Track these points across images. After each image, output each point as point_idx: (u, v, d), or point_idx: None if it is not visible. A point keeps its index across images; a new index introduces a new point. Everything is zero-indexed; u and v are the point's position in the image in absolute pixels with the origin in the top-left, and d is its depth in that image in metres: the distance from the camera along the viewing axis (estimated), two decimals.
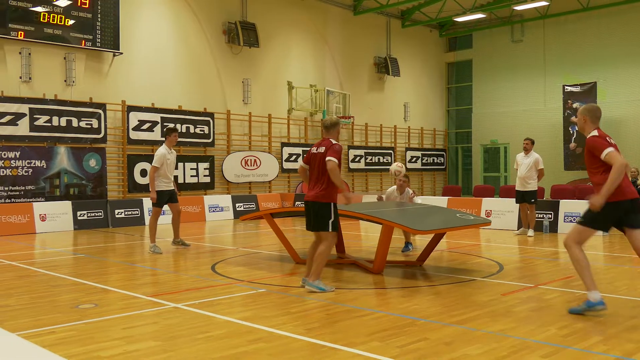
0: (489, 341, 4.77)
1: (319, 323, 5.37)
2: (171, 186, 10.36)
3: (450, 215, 8.46)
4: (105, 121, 15.66)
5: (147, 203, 15.67)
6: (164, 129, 10.85)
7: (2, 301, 6.31)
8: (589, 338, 4.84)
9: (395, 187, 10.23)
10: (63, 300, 6.40)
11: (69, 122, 14.98)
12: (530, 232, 12.34)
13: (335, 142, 6.93)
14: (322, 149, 6.86)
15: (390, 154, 23.98)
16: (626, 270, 8.34)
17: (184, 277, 7.80)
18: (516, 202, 12.67)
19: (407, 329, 5.15)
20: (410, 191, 10.29)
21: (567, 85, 22.77)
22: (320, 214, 6.82)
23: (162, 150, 10.30)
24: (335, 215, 6.85)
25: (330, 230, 6.82)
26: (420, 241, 10.64)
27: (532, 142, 12.49)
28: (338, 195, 6.92)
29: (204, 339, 4.86)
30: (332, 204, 6.84)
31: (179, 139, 17.11)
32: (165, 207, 10.72)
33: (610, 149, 5.56)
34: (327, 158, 6.73)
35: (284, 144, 20.12)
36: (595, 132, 5.79)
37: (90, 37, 15.43)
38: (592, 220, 5.75)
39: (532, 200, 12.26)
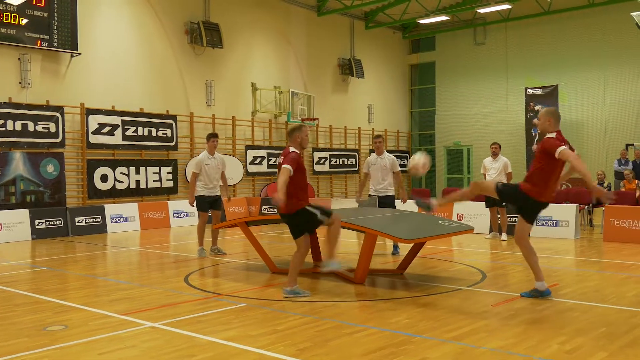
0: None
1: (310, 342, 5.06)
2: (214, 192, 10.38)
3: (433, 222, 8.24)
4: (63, 125, 14.99)
5: (109, 209, 15.09)
6: (206, 135, 10.82)
7: None
8: (594, 354, 4.65)
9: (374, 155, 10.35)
10: (28, 321, 5.91)
11: (24, 126, 14.27)
12: (504, 237, 12.24)
13: (293, 150, 6.78)
14: (281, 159, 6.80)
15: (354, 156, 23.79)
16: (609, 276, 8.27)
17: (156, 291, 7.37)
18: (486, 207, 12.59)
19: (404, 348, 4.88)
20: (391, 156, 10.28)
21: (529, 88, 22.97)
22: (290, 223, 6.86)
23: (200, 156, 10.53)
24: (304, 221, 6.77)
25: (298, 237, 6.81)
26: (401, 248, 10.39)
27: (500, 147, 12.46)
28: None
29: None
30: (297, 211, 6.69)
31: (141, 143, 16.67)
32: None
33: (563, 147, 6.16)
34: (283, 166, 6.57)
35: (248, 147, 19.71)
36: (553, 134, 6.43)
37: (47, 37, 14.74)
38: (527, 216, 6.67)
39: (503, 204, 12.18)
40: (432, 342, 5.02)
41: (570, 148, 6.34)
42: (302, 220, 6.76)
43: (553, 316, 5.91)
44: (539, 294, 6.65)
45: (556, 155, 6.14)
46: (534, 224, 7.00)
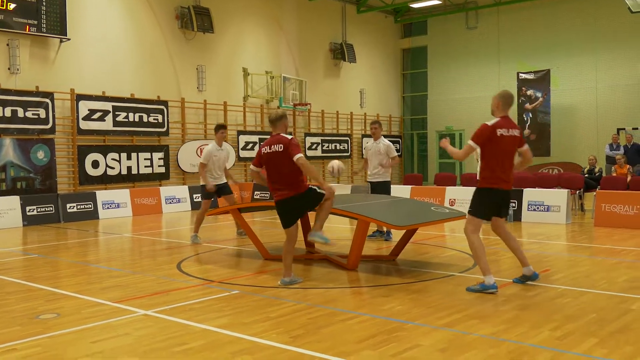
0: (484, 346, 4.57)
1: (302, 329, 5.07)
2: (220, 180, 10.54)
3: (426, 209, 8.26)
4: (53, 111, 14.88)
5: (101, 196, 15.04)
6: (215, 126, 10.75)
7: None
8: (584, 340, 4.69)
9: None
10: (20, 309, 5.89)
11: (14, 112, 14.15)
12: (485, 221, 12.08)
13: (291, 137, 6.76)
14: (279, 147, 6.66)
15: (347, 141, 23.77)
16: (600, 262, 8.33)
17: (149, 278, 7.37)
18: None
19: (397, 334, 4.90)
20: (387, 141, 10.35)
21: (521, 73, 22.98)
22: (297, 204, 6.84)
23: (209, 147, 10.44)
24: (314, 198, 6.90)
25: (290, 226, 6.90)
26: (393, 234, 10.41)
27: None
28: (325, 187, 6.89)
29: (182, 352, 4.50)
30: (305, 190, 6.82)
31: (132, 129, 16.58)
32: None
33: (474, 145, 6.36)
34: (295, 157, 6.54)
35: (240, 132, 19.65)
36: (497, 120, 6.40)
37: (35, 22, 14.58)
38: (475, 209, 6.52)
39: None
40: (425, 329, 5.04)
41: (518, 137, 6.45)
42: (312, 196, 6.83)
43: (544, 302, 5.95)
44: (527, 279, 6.71)
45: (470, 141, 6.47)
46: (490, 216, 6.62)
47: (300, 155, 6.57)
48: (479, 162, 6.64)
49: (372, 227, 10.06)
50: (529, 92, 22.92)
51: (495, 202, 6.49)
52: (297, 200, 6.78)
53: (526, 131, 22.80)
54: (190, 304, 6.04)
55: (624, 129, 20.31)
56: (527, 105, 22.90)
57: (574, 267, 7.84)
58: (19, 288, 6.93)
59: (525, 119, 22.95)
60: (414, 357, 4.35)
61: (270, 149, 6.72)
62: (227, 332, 5.00)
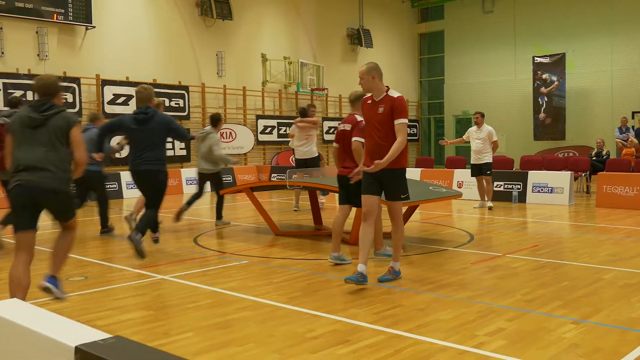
0: (458, 307, 5.15)
1: (300, 292, 5.70)
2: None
3: (424, 188, 8.81)
4: (80, 95, 15.66)
5: (125, 176, 15.79)
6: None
7: None
8: (550, 303, 5.25)
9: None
10: None
11: None
12: (490, 204, 12.32)
13: (361, 119, 6.85)
14: (347, 126, 7.00)
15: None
16: (589, 239, 8.82)
17: (168, 249, 8.05)
18: (472, 176, 12.66)
19: (383, 297, 5.50)
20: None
21: (536, 57, 23.21)
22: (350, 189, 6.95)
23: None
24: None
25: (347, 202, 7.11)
26: None
27: (483, 116, 12.42)
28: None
29: (193, 308, 5.16)
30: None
31: None
32: None
33: (406, 121, 5.85)
34: (354, 138, 6.83)
35: (258, 117, 20.28)
36: (399, 93, 5.92)
37: (62, 10, 15.33)
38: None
39: (488, 172, 12.26)
40: (409, 293, 5.64)
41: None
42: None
43: (524, 273, 6.50)
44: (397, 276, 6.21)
45: (397, 121, 5.84)
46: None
47: (357, 139, 6.75)
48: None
49: None
50: (544, 76, 23.16)
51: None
52: (344, 180, 6.96)
53: (541, 115, 23.12)
54: (203, 271, 6.71)
55: (639, 112, 20.52)
56: (543, 89, 23.16)
57: (562, 243, 8.36)
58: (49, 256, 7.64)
59: (541, 102, 23.23)
60: (394, 314, 4.95)
61: (343, 127, 7.09)
62: (233, 293, 5.64)
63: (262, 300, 5.40)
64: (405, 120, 5.86)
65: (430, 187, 8.96)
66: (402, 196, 6.10)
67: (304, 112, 12.18)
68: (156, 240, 8.20)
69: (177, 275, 6.40)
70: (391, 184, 6.00)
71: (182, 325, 4.69)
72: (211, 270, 6.73)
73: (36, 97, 4.91)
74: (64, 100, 15.16)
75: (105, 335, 2.30)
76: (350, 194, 7.03)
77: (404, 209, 7.20)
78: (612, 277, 6.17)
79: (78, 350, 2.16)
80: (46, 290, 4.94)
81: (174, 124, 7.62)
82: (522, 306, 5.15)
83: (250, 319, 4.84)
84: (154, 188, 7.36)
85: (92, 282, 6.14)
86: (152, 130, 7.33)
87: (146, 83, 16.96)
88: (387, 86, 6.00)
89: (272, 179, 18.40)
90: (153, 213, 7.42)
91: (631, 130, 17.72)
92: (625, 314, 4.91)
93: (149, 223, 7.34)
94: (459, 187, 14.28)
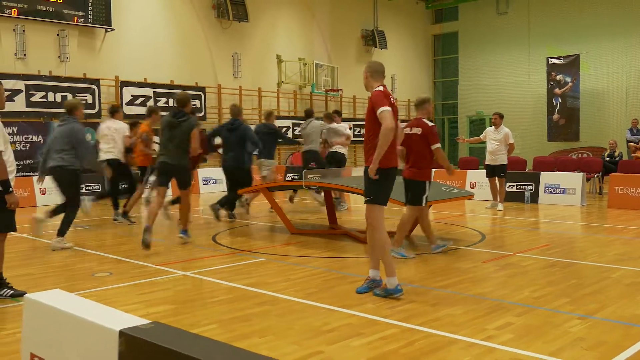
0: (469, 303, 5.35)
1: (316, 288, 5.93)
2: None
3: (436, 189, 8.99)
4: (99, 96, 15.99)
5: None
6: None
7: (22, 270, 6.81)
8: (557, 300, 5.44)
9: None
10: (78, 269, 6.91)
11: (64, 97, 15.23)
12: (500, 207, 12.35)
13: (432, 124, 7.52)
14: (417, 130, 7.41)
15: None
16: (598, 239, 8.97)
17: (187, 247, 8.32)
18: (487, 177, 12.66)
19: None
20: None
21: (550, 58, 23.26)
22: (415, 190, 7.39)
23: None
24: (426, 191, 7.43)
25: (423, 204, 7.45)
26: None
27: (501, 117, 12.36)
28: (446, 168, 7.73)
29: (214, 303, 5.41)
30: (425, 182, 7.40)
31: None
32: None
33: (387, 108, 5.37)
34: (434, 146, 7.38)
35: None
36: (380, 87, 5.63)
37: (82, 13, 15.67)
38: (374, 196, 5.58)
39: (502, 174, 12.30)
40: (421, 290, 5.85)
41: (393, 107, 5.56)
42: (418, 188, 7.41)
43: (534, 271, 6.68)
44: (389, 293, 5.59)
45: (377, 112, 5.44)
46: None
47: (438, 145, 7.41)
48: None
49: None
50: (558, 77, 23.21)
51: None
52: (409, 183, 7.43)
53: (555, 116, 23.18)
54: (222, 267, 6.96)
55: None
56: (557, 90, 23.21)
57: (572, 243, 8.52)
58: (74, 253, 7.94)
59: (555, 103, 23.28)
60: (407, 309, 5.16)
61: (410, 130, 7.48)
62: (253, 289, 5.88)
63: (280, 295, 5.64)
64: (385, 108, 5.37)
65: (443, 188, 9.15)
66: (366, 198, 5.62)
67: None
68: (232, 216, 10.88)
69: (198, 272, 6.66)
70: (365, 183, 5.68)
71: (206, 318, 4.93)
72: (230, 267, 6.98)
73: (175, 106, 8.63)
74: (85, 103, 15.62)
75: (145, 321, 2.54)
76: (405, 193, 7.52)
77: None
78: (619, 276, 6.35)
79: (122, 334, 2.41)
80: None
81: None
82: (530, 302, 5.34)
83: (269, 313, 5.07)
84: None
85: (117, 278, 6.41)
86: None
87: (163, 84, 17.36)
88: (382, 85, 5.70)
89: (287, 179, 18.63)
90: (234, 195, 10.67)
91: None
92: (630, 310, 5.09)
93: (228, 201, 10.77)
94: (472, 188, 14.45)
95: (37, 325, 2.94)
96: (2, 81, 5.58)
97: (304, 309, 5.20)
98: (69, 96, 15.29)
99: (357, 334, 4.50)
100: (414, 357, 4.03)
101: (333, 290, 5.84)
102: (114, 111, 11.45)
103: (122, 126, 11.10)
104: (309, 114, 12.77)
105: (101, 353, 2.46)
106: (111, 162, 10.71)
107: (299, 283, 6.15)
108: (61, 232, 8.16)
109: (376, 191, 5.56)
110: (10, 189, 5.38)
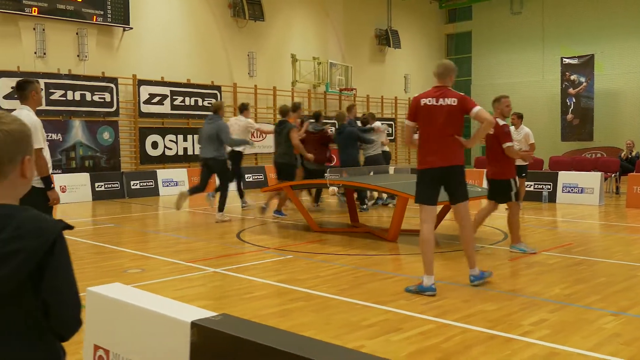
0: (501, 299, 5.41)
1: (348, 285, 6.00)
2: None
3: None
4: (117, 95, 16.11)
5: (161, 174, 16.24)
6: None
7: None
8: (589, 297, 5.49)
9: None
10: (110, 265, 7.01)
11: (82, 96, 15.42)
12: (519, 205, 12.37)
13: (504, 123, 7.41)
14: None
15: (391, 125, 24.50)
16: (621, 237, 9.01)
17: (213, 244, 8.41)
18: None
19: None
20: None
21: (565, 58, 23.23)
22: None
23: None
24: (514, 188, 7.49)
25: (513, 200, 7.50)
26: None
27: (520, 117, 12.06)
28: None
29: (250, 299, 5.49)
30: (509, 180, 7.50)
31: (188, 112, 17.72)
32: None
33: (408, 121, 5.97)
34: (506, 145, 7.31)
35: None
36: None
37: (101, 12, 15.79)
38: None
39: (524, 174, 12.03)
40: (450, 287, 5.91)
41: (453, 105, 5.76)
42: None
43: (561, 269, 6.73)
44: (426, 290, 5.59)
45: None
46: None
47: (508, 144, 7.43)
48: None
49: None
50: (572, 77, 23.18)
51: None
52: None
53: (569, 116, 23.15)
54: (251, 264, 7.05)
55: None
56: (571, 90, 23.18)
57: (595, 242, 8.56)
58: (102, 250, 8.05)
59: (569, 103, 23.25)
60: (440, 305, 5.23)
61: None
62: (285, 285, 5.96)
63: (313, 292, 5.71)
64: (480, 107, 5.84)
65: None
66: (462, 199, 6.02)
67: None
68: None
69: (229, 269, 6.74)
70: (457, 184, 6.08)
71: (244, 313, 5.01)
72: (258, 265, 7.06)
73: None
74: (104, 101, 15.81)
75: (213, 313, 2.62)
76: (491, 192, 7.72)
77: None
78: None
79: (194, 325, 2.49)
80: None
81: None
82: (562, 299, 5.40)
83: (305, 309, 5.15)
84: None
85: (150, 274, 6.51)
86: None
87: (180, 83, 17.48)
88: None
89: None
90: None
91: None
92: None
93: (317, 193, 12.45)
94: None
95: (100, 318, 3.02)
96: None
97: (339, 305, 5.28)
98: (88, 95, 15.45)
99: (395, 329, 4.57)
100: (456, 352, 4.10)
101: (365, 287, 5.91)
102: (244, 109, 12.65)
103: (249, 123, 12.56)
104: (317, 117, 12.98)
105: (173, 344, 2.54)
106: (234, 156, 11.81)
107: (329, 280, 6.22)
108: (220, 208, 10.32)
109: (416, 192, 5.96)
110: (52, 185, 5.45)
